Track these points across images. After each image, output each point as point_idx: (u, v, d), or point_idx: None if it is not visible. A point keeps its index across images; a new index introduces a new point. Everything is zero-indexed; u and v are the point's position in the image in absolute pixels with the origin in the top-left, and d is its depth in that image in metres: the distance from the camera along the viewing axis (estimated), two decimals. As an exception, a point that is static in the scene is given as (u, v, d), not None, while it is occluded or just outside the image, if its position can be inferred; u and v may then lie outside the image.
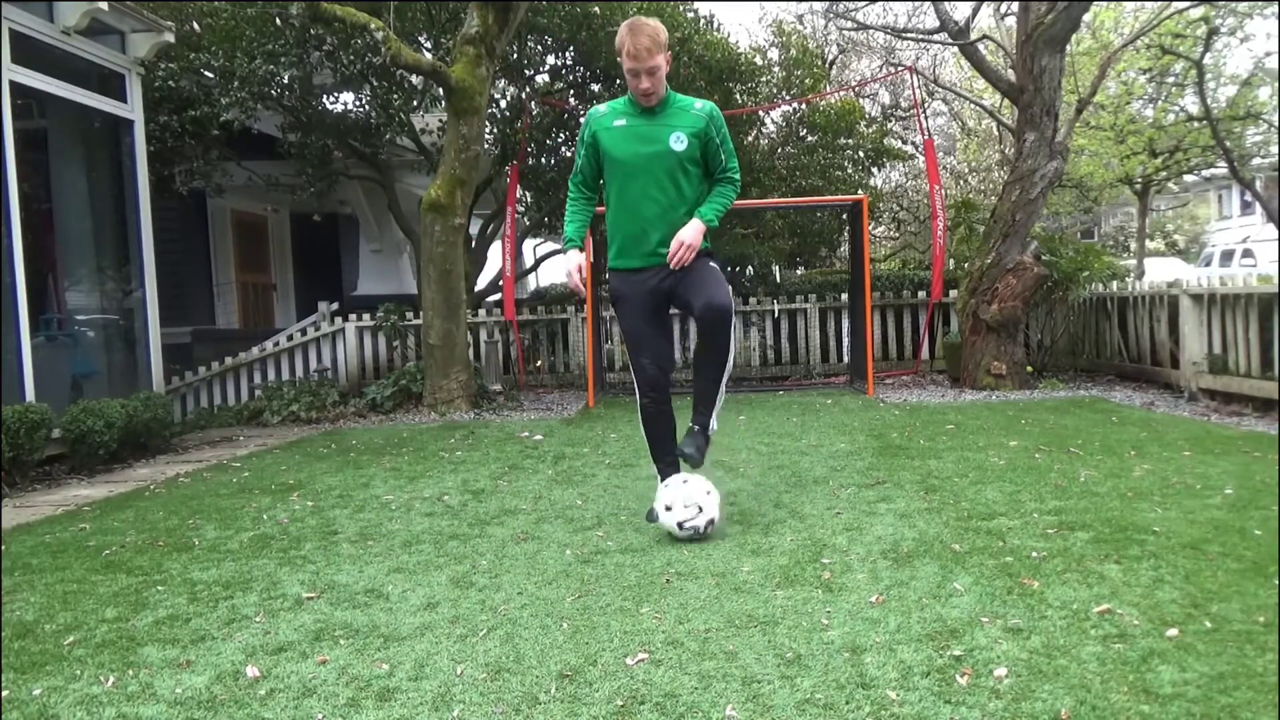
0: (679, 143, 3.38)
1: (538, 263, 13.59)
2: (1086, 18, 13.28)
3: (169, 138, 8.92)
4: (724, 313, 3.36)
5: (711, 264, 3.50)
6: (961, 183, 16.59)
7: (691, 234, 3.35)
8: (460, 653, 2.35)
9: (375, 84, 9.54)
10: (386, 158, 10.86)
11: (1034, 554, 2.91)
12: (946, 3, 9.39)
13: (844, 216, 10.85)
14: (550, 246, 15.01)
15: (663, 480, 3.52)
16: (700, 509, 3.27)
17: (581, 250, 3.59)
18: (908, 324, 9.62)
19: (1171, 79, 16.46)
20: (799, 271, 12.61)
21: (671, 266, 3.36)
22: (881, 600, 2.57)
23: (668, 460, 3.62)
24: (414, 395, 8.07)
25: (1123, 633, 2.26)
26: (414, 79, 9.38)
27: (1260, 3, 13.29)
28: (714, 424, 3.60)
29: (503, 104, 10.45)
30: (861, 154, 12.49)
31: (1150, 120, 17.43)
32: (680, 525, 3.27)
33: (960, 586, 2.65)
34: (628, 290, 3.52)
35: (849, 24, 13.04)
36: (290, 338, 9.79)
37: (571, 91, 10.55)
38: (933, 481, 4.08)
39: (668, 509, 3.29)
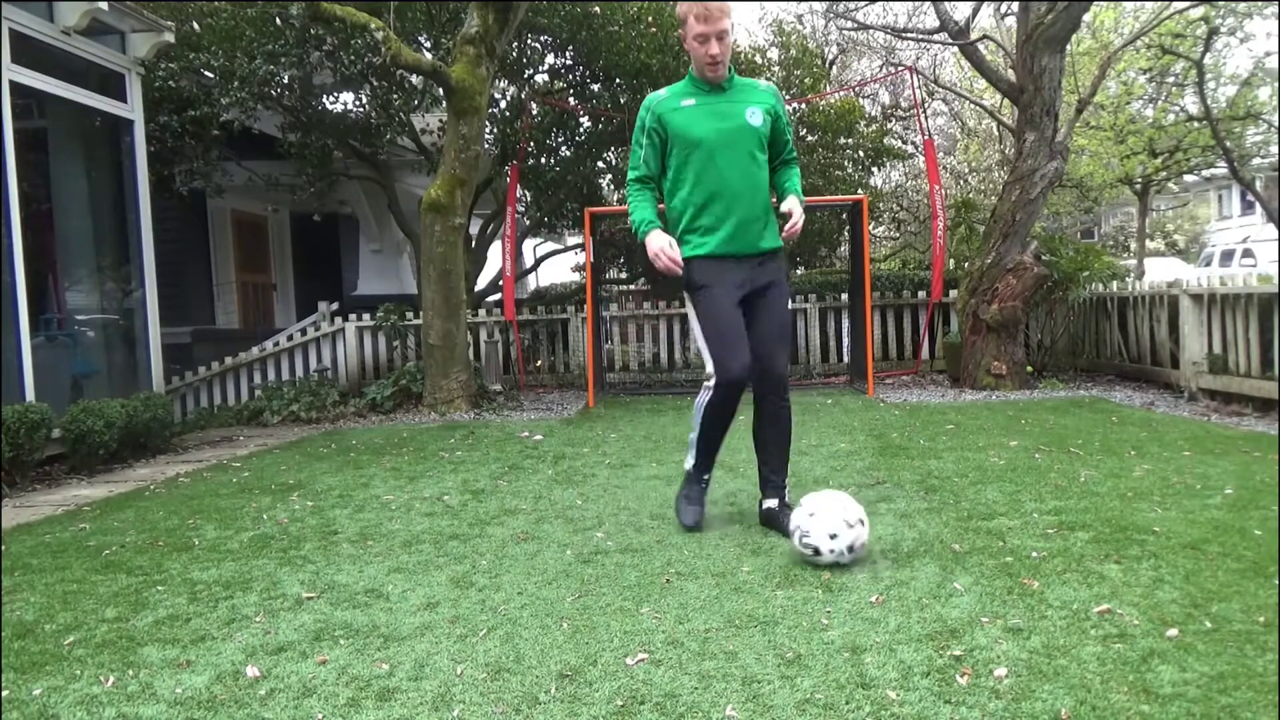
0: (754, 117, 3.26)
1: (538, 263, 13.60)
2: (1086, 18, 13.29)
3: (169, 138, 8.92)
4: (784, 380, 3.36)
5: (784, 298, 3.39)
6: (961, 183, 16.59)
7: (800, 210, 3.27)
8: (460, 653, 2.35)
9: (375, 84, 9.54)
10: (386, 158, 10.87)
11: (1034, 554, 2.91)
12: (946, 3, 9.39)
13: (844, 216, 10.85)
14: (550, 246, 15.01)
15: (686, 500, 3.47)
16: (835, 533, 2.87)
17: (663, 230, 3.31)
18: (908, 324, 9.62)
19: (1171, 79, 16.47)
20: (799, 271, 12.61)
21: (784, 237, 3.30)
22: (881, 600, 2.57)
23: (707, 472, 3.54)
24: (414, 395, 8.07)
25: (1123, 633, 2.26)
26: (414, 79, 9.38)
27: (1260, 2, 13.29)
28: (788, 492, 3.46)
29: (503, 104, 10.46)
30: (861, 154, 12.49)
31: (1150, 120, 17.44)
32: (851, 548, 2.86)
33: (960, 586, 2.65)
34: (715, 277, 3.27)
35: (849, 24, 13.04)
36: (290, 338, 9.79)
37: (571, 91, 10.55)
38: (933, 481, 4.08)
39: (833, 536, 2.85)
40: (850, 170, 12.32)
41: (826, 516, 2.86)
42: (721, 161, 3.25)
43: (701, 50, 3.19)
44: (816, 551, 2.86)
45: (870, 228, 12.58)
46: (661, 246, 3.21)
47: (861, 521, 2.89)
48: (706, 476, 3.56)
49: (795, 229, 3.26)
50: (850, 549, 2.85)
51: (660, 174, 3.39)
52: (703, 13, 3.13)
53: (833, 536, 2.84)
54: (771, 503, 3.43)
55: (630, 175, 3.42)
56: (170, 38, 7.38)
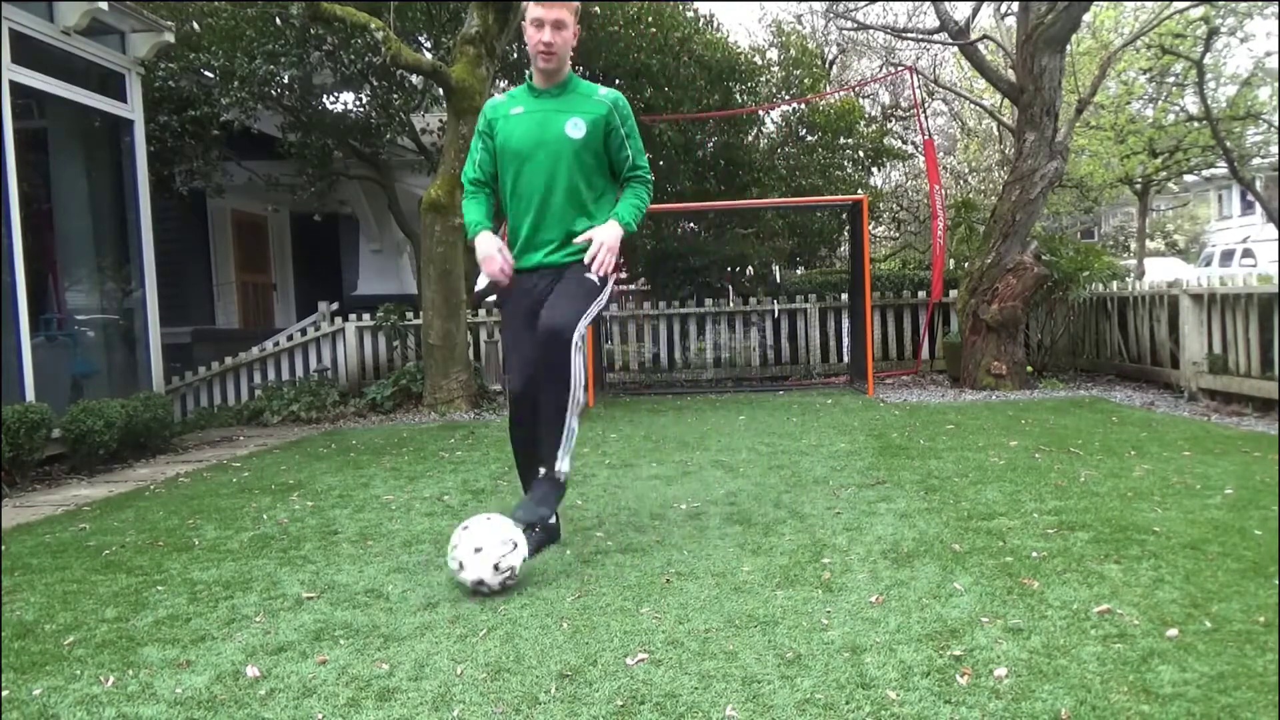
0: (576, 129, 3.09)
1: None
2: (1086, 18, 13.28)
3: (169, 138, 8.93)
4: (559, 333, 2.94)
5: (588, 276, 3.05)
6: (961, 183, 16.60)
7: (610, 235, 3.03)
8: (460, 653, 2.35)
9: (375, 84, 9.55)
10: (386, 158, 10.87)
11: (1034, 554, 2.91)
12: (946, 3, 9.40)
13: (844, 216, 10.85)
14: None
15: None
16: (515, 544, 2.78)
17: (493, 231, 3.16)
18: (908, 324, 9.62)
19: (1171, 79, 16.47)
20: (799, 271, 12.62)
21: (592, 271, 3.02)
22: (881, 600, 2.57)
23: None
24: (414, 395, 8.07)
25: (1123, 633, 2.26)
26: (414, 79, 9.38)
27: (1260, 2, 13.29)
28: (564, 465, 3.05)
29: (503, 104, 10.44)
30: (861, 154, 12.50)
31: (1150, 120, 17.44)
32: (496, 567, 2.72)
33: (960, 586, 2.65)
34: (512, 293, 3.21)
35: (849, 24, 13.05)
36: (290, 338, 9.79)
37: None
38: (933, 481, 4.08)
39: (477, 550, 2.72)
40: (850, 170, 12.33)
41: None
42: (532, 173, 3.12)
43: (535, 36, 3.04)
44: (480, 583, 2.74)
45: (870, 228, 12.58)
46: (490, 253, 3.05)
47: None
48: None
49: (596, 261, 2.99)
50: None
51: (493, 176, 3.26)
52: None
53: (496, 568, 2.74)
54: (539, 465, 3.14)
55: (465, 177, 3.29)
56: (170, 38, 7.38)
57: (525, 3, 3.07)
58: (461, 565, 2.74)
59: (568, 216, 3.14)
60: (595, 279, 3.07)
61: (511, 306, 3.25)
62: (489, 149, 3.23)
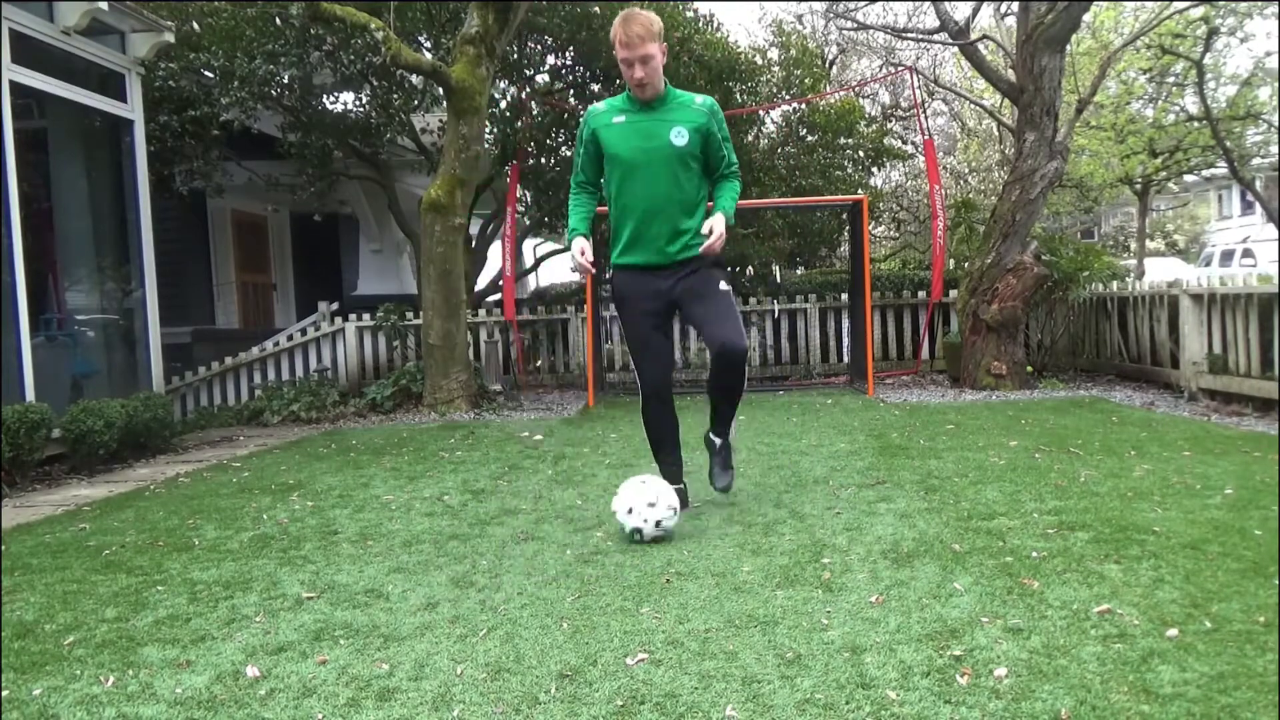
0: (680, 138, 3.38)
1: (538, 263, 13.59)
2: (1086, 18, 13.28)
3: (169, 138, 8.92)
4: (741, 357, 3.46)
5: (724, 286, 3.53)
6: (961, 183, 16.58)
7: (721, 225, 3.36)
8: (460, 653, 2.35)
9: (375, 84, 9.54)
10: (386, 158, 10.86)
11: (1034, 554, 2.91)
12: (946, 3, 9.39)
13: (844, 216, 10.84)
14: (550, 246, 15.01)
15: (666, 481, 3.61)
16: (673, 510, 3.33)
17: (586, 238, 3.58)
18: (908, 324, 9.62)
19: (1171, 79, 16.47)
20: (799, 271, 12.61)
21: (702, 253, 3.38)
22: (881, 600, 2.57)
23: (670, 461, 3.72)
24: (414, 395, 8.07)
25: (1123, 633, 2.26)
26: (414, 79, 9.38)
27: (1260, 2, 13.29)
28: (733, 434, 3.79)
29: (503, 104, 10.45)
30: (861, 154, 12.48)
31: (1150, 120, 17.44)
32: (659, 524, 3.28)
33: (960, 586, 2.65)
34: (632, 291, 3.54)
35: (849, 24, 13.04)
36: (290, 338, 9.79)
37: (571, 91, 10.55)
38: (933, 481, 4.07)
39: (651, 505, 3.29)
40: (850, 170, 12.30)
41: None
42: (640, 179, 3.41)
43: (627, 73, 3.35)
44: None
45: (870, 228, 12.57)
46: (575, 251, 3.49)
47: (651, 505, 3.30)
48: (677, 486, 3.65)
49: (711, 246, 3.35)
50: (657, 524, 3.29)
51: (598, 180, 3.59)
52: (624, 39, 3.29)
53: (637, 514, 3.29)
54: (712, 435, 3.75)
55: (572, 179, 3.64)
56: (170, 38, 7.38)
57: (614, 37, 3.36)
58: (630, 511, 3.27)
59: (675, 215, 3.44)
60: (728, 286, 3.54)
61: (635, 304, 3.55)
62: (590, 154, 3.53)
